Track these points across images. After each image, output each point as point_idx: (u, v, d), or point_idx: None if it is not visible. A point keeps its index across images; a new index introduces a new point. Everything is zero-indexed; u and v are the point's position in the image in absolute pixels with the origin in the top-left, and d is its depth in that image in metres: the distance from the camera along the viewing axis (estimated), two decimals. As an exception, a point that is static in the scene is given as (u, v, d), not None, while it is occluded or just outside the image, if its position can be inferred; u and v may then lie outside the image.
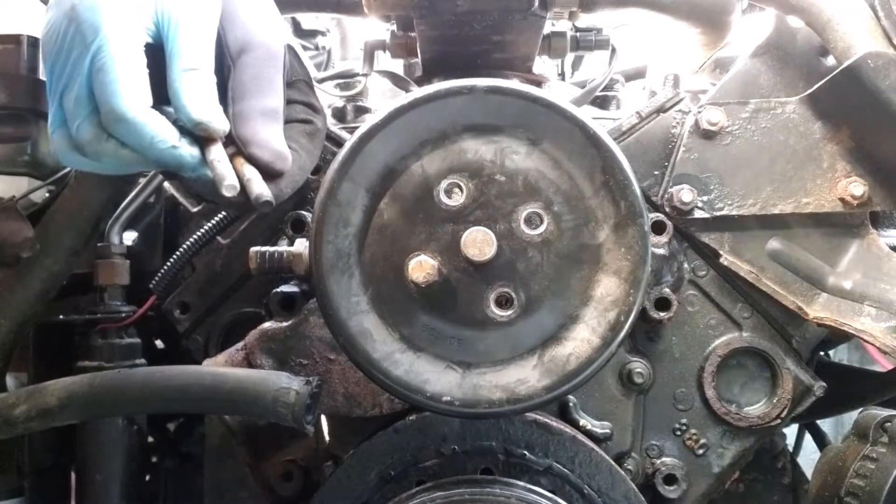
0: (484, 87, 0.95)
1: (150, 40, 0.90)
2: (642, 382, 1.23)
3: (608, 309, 0.96)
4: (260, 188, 0.90)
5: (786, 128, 1.20)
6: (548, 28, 1.29)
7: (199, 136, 0.91)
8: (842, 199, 1.18)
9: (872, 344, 1.11)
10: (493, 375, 0.97)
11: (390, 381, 0.97)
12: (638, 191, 0.96)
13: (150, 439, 1.51)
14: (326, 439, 1.25)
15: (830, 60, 1.22)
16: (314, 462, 1.25)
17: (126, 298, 1.30)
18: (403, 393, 0.97)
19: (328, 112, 1.33)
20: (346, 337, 0.96)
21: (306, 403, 0.97)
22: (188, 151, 0.91)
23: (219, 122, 0.91)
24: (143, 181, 1.32)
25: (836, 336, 1.25)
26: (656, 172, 1.23)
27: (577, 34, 1.37)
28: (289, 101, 0.99)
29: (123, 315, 1.28)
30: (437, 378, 0.97)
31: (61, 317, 1.32)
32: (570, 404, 1.23)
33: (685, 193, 1.20)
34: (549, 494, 1.06)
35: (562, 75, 1.87)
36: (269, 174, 0.93)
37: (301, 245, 1.02)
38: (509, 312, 0.96)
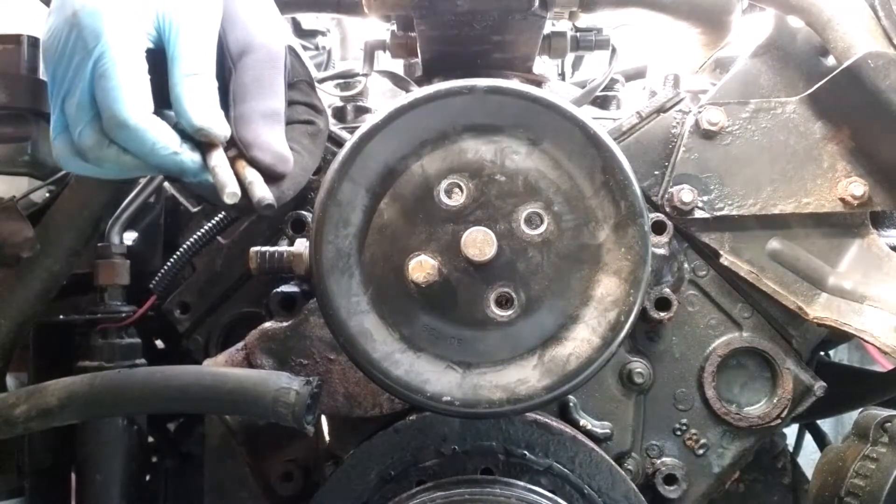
0: (484, 87, 0.95)
1: (151, 45, 0.90)
2: (642, 382, 1.23)
3: (608, 309, 0.96)
4: (262, 191, 0.90)
5: (786, 128, 1.20)
6: (548, 28, 1.29)
7: (201, 142, 0.91)
8: (842, 199, 1.19)
9: (872, 344, 1.11)
10: (493, 375, 0.97)
11: (390, 381, 0.97)
12: (638, 191, 0.96)
13: (150, 439, 1.51)
14: (326, 439, 1.25)
15: (830, 60, 1.22)
16: (314, 462, 1.25)
17: (126, 298, 1.30)
18: (403, 393, 0.97)
19: (328, 112, 1.33)
20: (347, 337, 0.96)
21: (306, 403, 0.97)
22: (190, 157, 0.91)
23: (220, 127, 0.91)
24: (143, 181, 1.31)
25: (836, 336, 1.25)
26: (656, 172, 1.23)
27: (578, 34, 1.37)
28: (290, 102, 0.99)
29: (123, 315, 1.28)
30: (437, 378, 0.97)
31: (61, 317, 1.32)
32: (571, 404, 1.23)
33: (685, 193, 1.20)
34: (550, 494, 1.06)
35: (562, 75, 1.87)
36: (271, 176, 0.93)
37: (301, 245, 1.02)
38: (509, 312, 0.96)
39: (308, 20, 1.99)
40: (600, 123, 0.99)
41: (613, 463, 1.15)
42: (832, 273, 1.20)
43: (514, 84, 0.98)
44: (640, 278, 0.95)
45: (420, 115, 0.96)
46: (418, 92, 0.97)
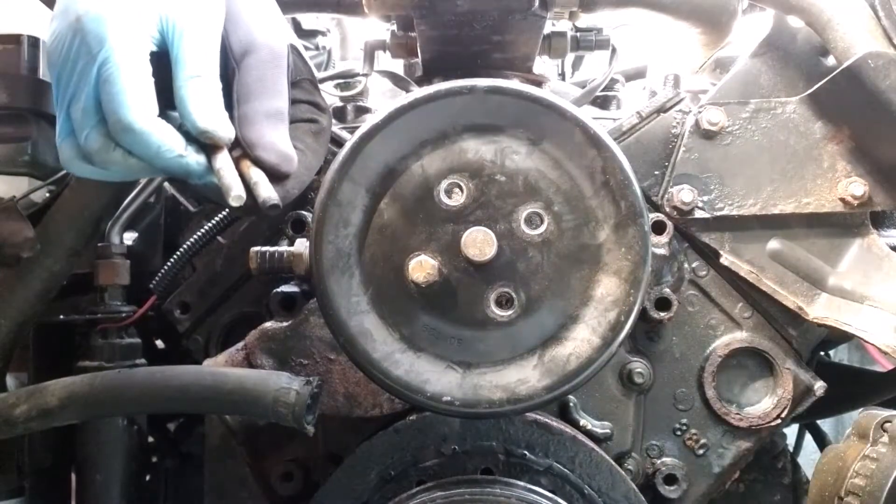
0: (484, 87, 0.95)
1: (154, 48, 0.90)
2: (642, 382, 1.23)
3: (608, 309, 0.96)
4: (267, 192, 0.91)
5: (786, 128, 1.20)
6: (548, 28, 1.29)
7: (206, 144, 0.91)
8: (842, 199, 1.19)
9: (872, 344, 1.11)
10: (493, 375, 0.97)
11: (390, 381, 0.97)
12: (638, 191, 0.96)
13: (150, 439, 1.51)
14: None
15: (830, 60, 1.22)
16: (314, 462, 1.25)
17: (126, 298, 1.30)
18: (403, 393, 0.97)
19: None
20: (347, 337, 0.96)
21: (307, 403, 0.97)
22: (195, 159, 0.91)
23: (224, 130, 0.91)
24: (143, 181, 1.31)
25: (836, 336, 1.25)
26: (657, 172, 1.23)
27: (578, 34, 1.37)
28: (294, 101, 0.99)
29: (124, 315, 1.28)
30: (437, 378, 0.97)
31: (61, 317, 1.32)
32: (571, 404, 1.23)
33: (685, 193, 1.20)
34: (550, 494, 1.06)
35: (562, 75, 1.87)
36: (276, 176, 0.94)
37: (301, 245, 1.02)
38: (509, 312, 0.96)
39: (308, 20, 1.99)
40: (600, 123, 0.99)
41: (613, 463, 1.15)
42: (832, 273, 1.20)
43: (514, 84, 0.98)
44: (640, 278, 0.95)
45: (420, 115, 0.96)
46: (418, 92, 0.97)
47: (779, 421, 1.24)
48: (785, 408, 1.23)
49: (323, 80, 1.47)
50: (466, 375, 0.97)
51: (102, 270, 1.28)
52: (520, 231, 0.95)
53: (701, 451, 1.25)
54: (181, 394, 1.02)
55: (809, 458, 1.49)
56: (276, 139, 0.94)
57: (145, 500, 1.43)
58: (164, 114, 0.90)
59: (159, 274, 1.27)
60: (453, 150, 0.96)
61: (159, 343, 1.53)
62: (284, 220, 1.22)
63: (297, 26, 1.96)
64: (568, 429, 1.17)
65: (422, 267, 0.93)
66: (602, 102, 1.55)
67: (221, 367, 1.15)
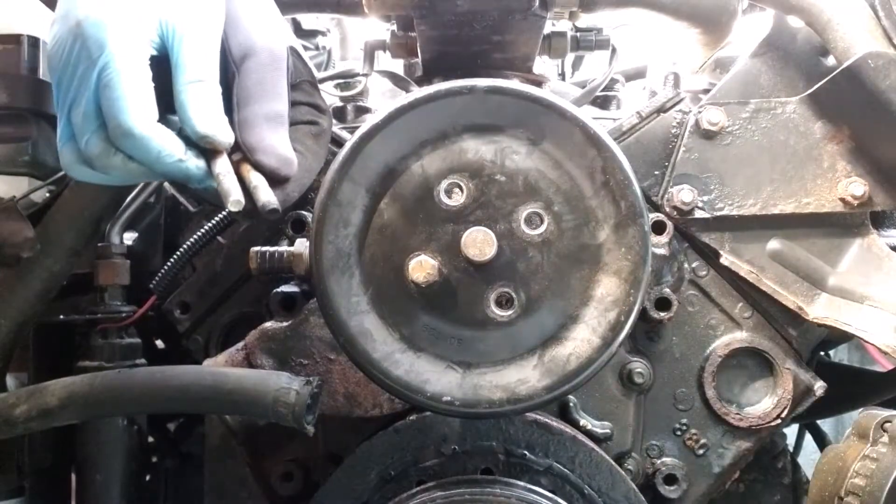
0: (484, 87, 0.95)
1: (154, 52, 0.90)
2: (642, 382, 1.23)
3: (608, 309, 0.96)
4: (266, 196, 0.91)
5: (786, 128, 1.20)
6: (548, 28, 1.29)
7: (205, 148, 0.91)
8: (842, 199, 1.19)
9: (872, 344, 1.11)
10: (493, 375, 0.97)
11: (390, 381, 0.97)
12: (638, 191, 0.96)
13: (150, 439, 1.51)
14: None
15: (830, 60, 1.22)
16: (314, 462, 1.25)
17: (126, 298, 1.30)
18: (403, 393, 0.97)
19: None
20: (347, 337, 0.96)
21: (307, 403, 0.97)
22: (194, 164, 0.91)
23: (224, 134, 0.91)
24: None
25: (836, 336, 1.25)
26: (657, 172, 1.23)
27: (578, 34, 1.37)
28: (294, 103, 0.99)
29: (124, 315, 1.28)
30: (437, 378, 0.97)
31: (61, 317, 1.32)
32: (571, 404, 1.23)
33: (685, 193, 1.20)
34: (550, 494, 1.06)
35: (562, 75, 1.87)
36: (276, 179, 0.94)
37: (301, 245, 1.02)
38: (509, 312, 0.96)
39: (308, 20, 1.99)
40: (600, 123, 0.99)
41: (613, 463, 1.15)
42: (832, 273, 1.20)
43: (514, 84, 0.98)
44: (640, 278, 0.95)
45: (420, 115, 0.96)
46: (418, 92, 0.97)
47: (779, 421, 1.24)
48: (785, 408, 1.23)
49: (323, 80, 1.47)
50: (466, 375, 0.97)
51: (102, 270, 1.28)
52: (520, 231, 0.95)
53: (701, 451, 1.25)
54: (181, 394, 1.02)
55: (809, 458, 1.49)
56: (276, 143, 0.94)
57: (145, 500, 1.43)
58: (164, 117, 0.90)
59: (159, 274, 1.27)
60: (453, 150, 0.96)
61: (159, 343, 1.53)
62: (284, 221, 1.22)
63: (297, 26, 1.96)
64: (568, 429, 1.17)
65: (422, 267, 0.93)
66: (602, 102, 1.55)
67: (221, 367, 1.15)
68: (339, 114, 1.44)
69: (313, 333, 1.17)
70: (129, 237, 1.35)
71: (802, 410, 1.25)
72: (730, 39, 1.39)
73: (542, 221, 0.95)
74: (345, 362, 1.15)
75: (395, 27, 1.32)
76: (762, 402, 1.25)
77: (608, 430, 1.23)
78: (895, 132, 1.12)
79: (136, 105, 0.87)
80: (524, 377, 0.97)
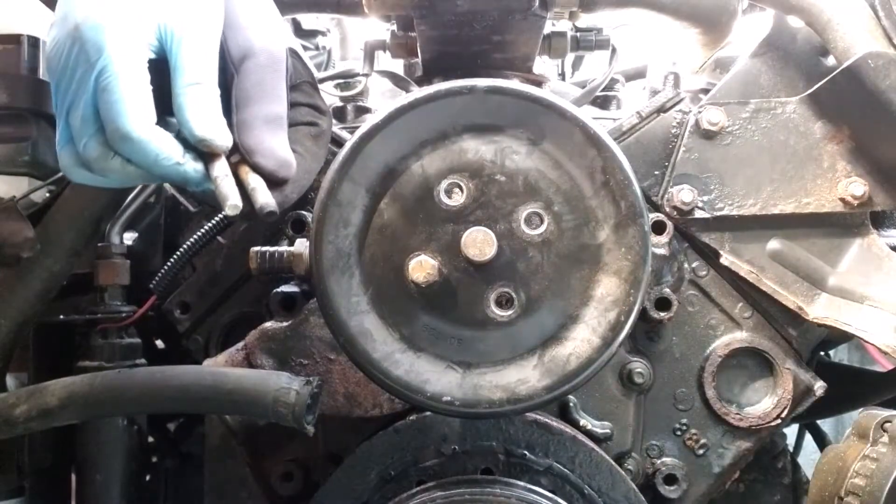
0: (484, 87, 0.95)
1: (153, 55, 0.90)
2: (642, 382, 1.23)
3: (608, 309, 0.96)
4: (265, 198, 0.91)
5: (786, 128, 1.20)
6: (548, 28, 1.29)
7: (204, 151, 0.91)
8: (842, 199, 1.19)
9: (872, 344, 1.11)
10: (493, 375, 0.97)
11: (390, 381, 0.97)
12: (638, 191, 0.96)
13: (150, 439, 1.51)
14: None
15: (830, 60, 1.22)
16: (314, 462, 1.25)
17: (126, 298, 1.30)
18: (403, 393, 0.97)
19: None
20: (347, 337, 0.96)
21: (307, 403, 0.97)
22: (192, 167, 0.91)
23: (222, 138, 0.91)
24: (143, 181, 1.31)
25: (836, 336, 1.25)
26: (657, 172, 1.23)
27: (578, 34, 1.37)
28: (293, 104, 0.99)
29: (124, 315, 1.28)
30: (437, 378, 0.97)
31: (61, 317, 1.32)
32: (571, 404, 1.23)
33: (685, 193, 1.20)
34: (550, 494, 1.06)
35: (562, 75, 1.87)
36: (274, 181, 0.94)
37: (301, 245, 1.02)
38: (509, 312, 0.96)
39: (308, 20, 1.99)
40: (600, 123, 0.99)
41: (613, 463, 1.15)
42: (832, 273, 1.20)
43: (514, 84, 0.98)
44: (640, 278, 0.95)
45: (420, 115, 0.96)
46: (418, 92, 0.97)
47: (779, 421, 1.24)
48: (785, 408, 1.23)
49: (323, 81, 1.47)
50: (466, 375, 0.97)
51: (102, 270, 1.28)
52: (520, 231, 0.95)
53: (701, 451, 1.25)
54: (181, 394, 1.02)
55: (809, 458, 1.49)
56: (275, 145, 0.94)
57: (145, 500, 1.43)
58: (162, 120, 0.90)
59: (159, 274, 1.27)
60: (453, 150, 0.96)
61: (159, 343, 1.53)
62: (284, 221, 1.22)
63: (296, 26, 1.96)
64: (568, 429, 1.17)
65: (422, 267, 0.93)
66: (602, 102, 1.55)
67: (221, 367, 1.15)
68: (339, 114, 1.44)
69: (313, 333, 1.17)
70: (129, 237, 1.35)
71: (802, 410, 1.25)
72: (730, 39, 1.40)
73: (542, 221, 0.95)
74: (345, 362, 1.15)
75: (395, 27, 1.32)
76: (762, 402, 1.25)
77: (608, 430, 1.23)
78: (895, 132, 1.12)
79: (134, 108, 0.87)
80: (524, 377, 0.97)
